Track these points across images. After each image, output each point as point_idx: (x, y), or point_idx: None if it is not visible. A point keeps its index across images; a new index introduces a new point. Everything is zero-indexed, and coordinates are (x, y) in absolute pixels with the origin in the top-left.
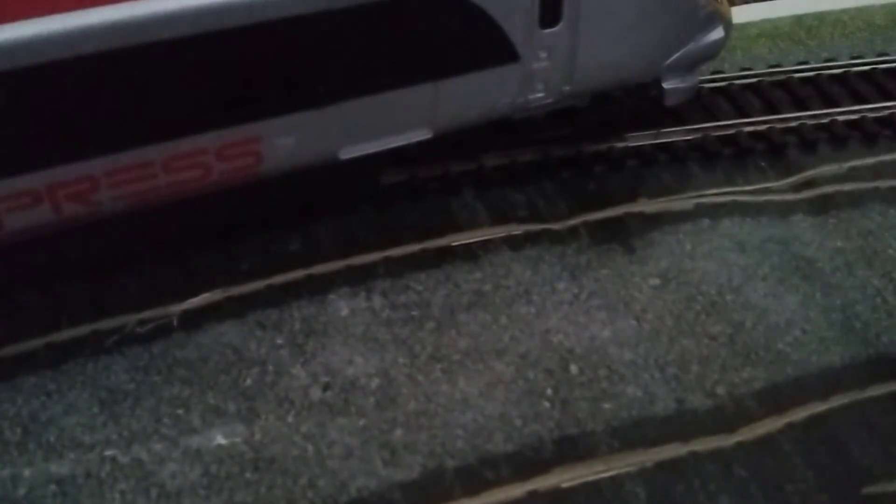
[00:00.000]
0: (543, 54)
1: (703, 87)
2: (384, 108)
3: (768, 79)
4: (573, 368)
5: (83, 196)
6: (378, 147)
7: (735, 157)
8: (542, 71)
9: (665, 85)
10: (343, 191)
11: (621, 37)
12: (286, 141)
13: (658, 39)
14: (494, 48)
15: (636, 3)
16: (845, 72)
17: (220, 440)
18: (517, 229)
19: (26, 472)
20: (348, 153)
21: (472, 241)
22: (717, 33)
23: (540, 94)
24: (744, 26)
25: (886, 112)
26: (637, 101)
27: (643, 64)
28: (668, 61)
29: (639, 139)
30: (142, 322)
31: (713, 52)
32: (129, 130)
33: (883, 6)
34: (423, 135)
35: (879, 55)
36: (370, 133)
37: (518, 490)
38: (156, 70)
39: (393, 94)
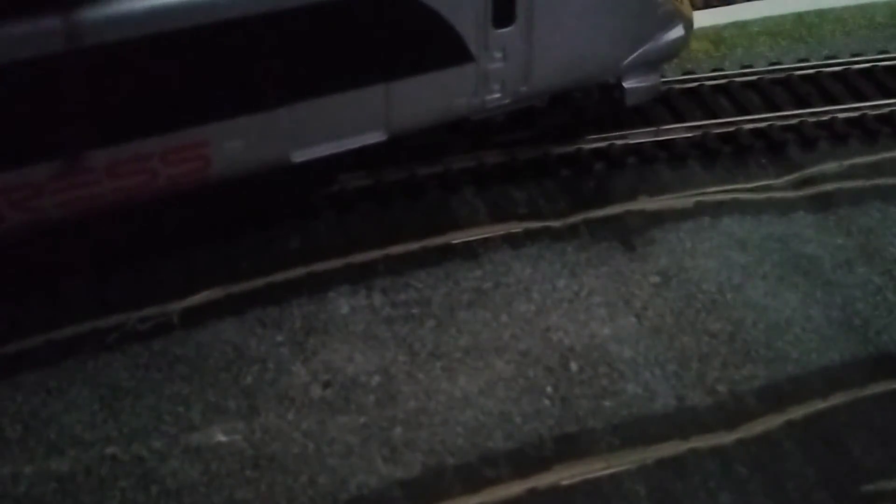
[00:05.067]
0: (498, 54)
1: (703, 84)
2: (336, 110)
3: (768, 76)
4: (573, 366)
5: (25, 203)
6: (331, 150)
7: (735, 154)
8: (498, 71)
9: (626, 84)
10: (297, 194)
11: (578, 36)
12: (235, 144)
13: (616, 39)
14: (447, 49)
15: (593, 2)
16: (845, 69)
17: (221, 437)
18: (517, 227)
19: (27, 470)
20: (301, 156)
21: (472, 238)
22: (677, 32)
23: (496, 95)
24: (745, 24)
25: (887, 110)
26: (597, 101)
27: (602, 63)
28: (628, 61)
29: (639, 136)
30: (142, 320)
31: (673, 50)
32: (71, 135)
33: (884, 3)
34: (377, 137)
35: (880, 53)
36: (323, 135)
37: (518, 488)
38: (96, 73)
39: (344, 96)
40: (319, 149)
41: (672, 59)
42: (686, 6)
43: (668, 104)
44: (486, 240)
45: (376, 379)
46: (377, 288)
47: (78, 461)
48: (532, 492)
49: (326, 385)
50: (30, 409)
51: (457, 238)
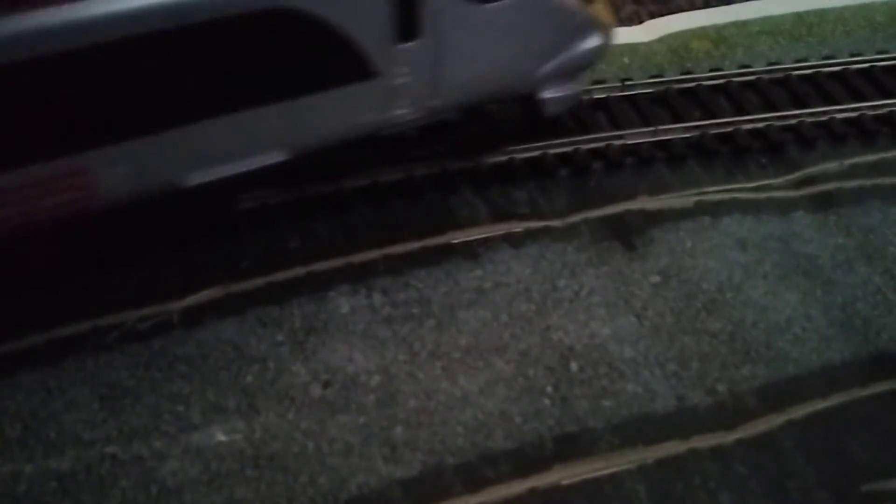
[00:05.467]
0: (405, 69)
1: (701, 84)
2: (233, 131)
3: (767, 76)
4: (573, 366)
5: None
6: (229, 171)
7: (734, 154)
8: (405, 86)
9: (544, 95)
10: (193, 217)
11: (490, 49)
12: (121, 170)
13: (530, 50)
14: (348, 65)
15: (503, 14)
16: (844, 69)
17: (221, 437)
18: (517, 226)
19: (27, 469)
20: (196, 179)
21: (472, 238)
22: (595, 41)
23: (405, 111)
24: (745, 23)
25: (885, 110)
26: (514, 113)
27: (516, 75)
28: (544, 71)
29: (637, 137)
30: (142, 319)
31: (592, 59)
32: None
33: (884, 3)
34: (277, 157)
35: (879, 52)
36: (219, 157)
37: (518, 487)
38: None
39: (240, 116)
40: (216, 171)
41: (591, 68)
42: (604, 13)
43: (667, 104)
44: (486, 239)
45: (376, 378)
46: (377, 287)
47: (78, 460)
48: (532, 491)
49: (326, 384)
50: (30, 409)
51: (457, 237)
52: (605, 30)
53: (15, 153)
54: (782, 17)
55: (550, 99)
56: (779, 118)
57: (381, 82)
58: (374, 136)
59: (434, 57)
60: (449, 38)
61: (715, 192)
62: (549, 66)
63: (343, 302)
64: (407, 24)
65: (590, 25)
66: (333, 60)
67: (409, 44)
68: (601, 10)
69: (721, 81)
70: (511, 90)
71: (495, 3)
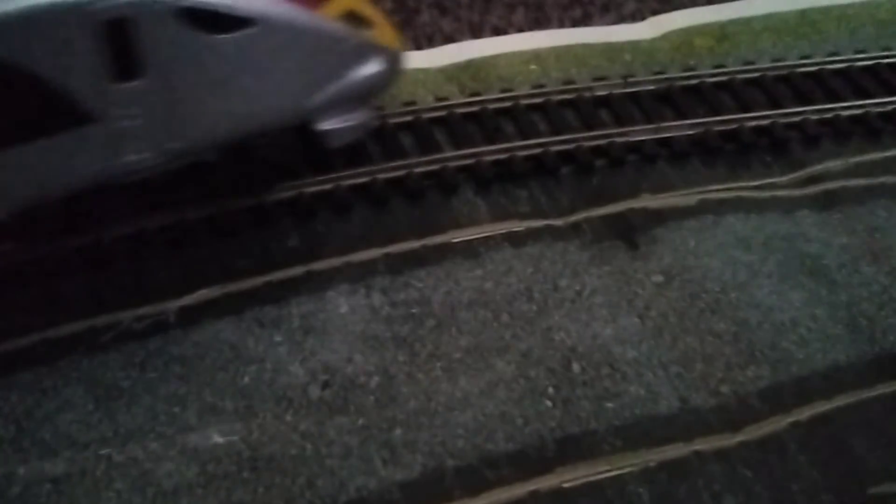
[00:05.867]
0: (130, 111)
1: (705, 81)
2: None
3: (771, 73)
4: (575, 367)
5: None
6: None
7: (738, 152)
8: (134, 130)
9: (322, 127)
10: None
11: (235, 82)
12: None
13: (290, 81)
14: (55, 110)
15: (244, 45)
16: (849, 66)
17: (218, 438)
18: (518, 225)
19: (21, 471)
20: None
21: (472, 237)
22: (375, 66)
23: (139, 156)
24: (748, 20)
25: (891, 107)
26: (290, 147)
27: (277, 109)
28: (316, 102)
29: (639, 134)
30: (138, 318)
31: (374, 86)
32: None
33: (888, 0)
34: None
35: (884, 50)
36: None
37: (519, 490)
38: None
39: None
40: None
41: (379, 94)
42: (387, 35)
43: (670, 101)
44: (486, 238)
45: (375, 379)
46: (377, 287)
47: (73, 462)
48: (534, 494)
49: (325, 385)
50: (24, 409)
51: (457, 237)
52: (387, 54)
53: None
54: (786, 14)
55: (332, 130)
56: (783, 115)
57: (101, 127)
58: (123, 183)
59: (166, 96)
60: (181, 75)
61: (718, 191)
62: (321, 97)
63: (342, 302)
64: (124, 61)
65: (367, 51)
66: (35, 107)
67: (132, 83)
68: (383, 34)
69: (725, 78)
70: (274, 124)
71: (233, 35)
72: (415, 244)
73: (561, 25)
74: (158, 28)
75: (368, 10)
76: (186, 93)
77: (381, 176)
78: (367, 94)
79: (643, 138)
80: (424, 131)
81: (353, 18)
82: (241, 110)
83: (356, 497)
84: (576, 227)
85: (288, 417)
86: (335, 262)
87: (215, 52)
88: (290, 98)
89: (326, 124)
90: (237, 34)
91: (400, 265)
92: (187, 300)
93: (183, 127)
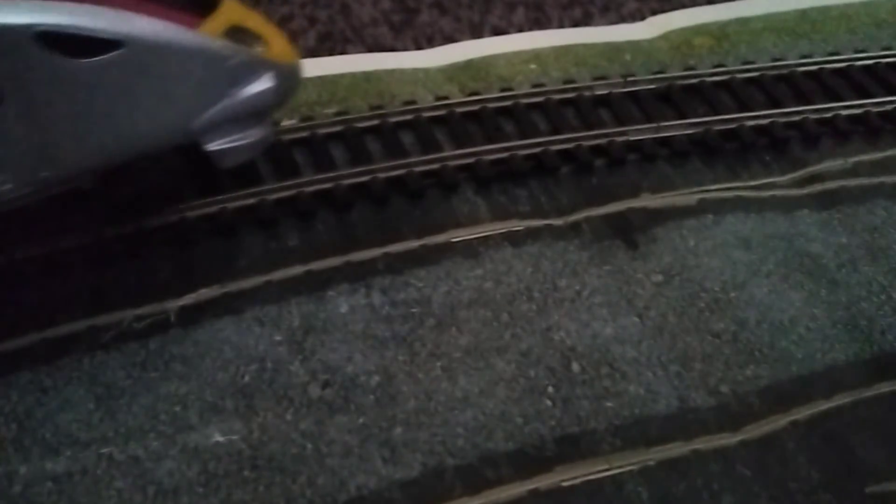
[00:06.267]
0: None
1: (704, 80)
2: None
3: (771, 73)
4: (575, 366)
5: None
6: None
7: (738, 151)
8: None
9: (211, 147)
10: None
11: (108, 106)
12: None
13: (167, 102)
14: None
15: (111, 69)
16: (849, 66)
17: (218, 438)
18: (518, 225)
19: (22, 470)
20: None
21: (472, 237)
22: (265, 82)
23: (4, 186)
24: (748, 20)
25: (890, 107)
26: (178, 169)
27: (154, 131)
28: (202, 122)
29: (639, 133)
30: (139, 318)
31: (265, 102)
32: None
33: (889, 0)
34: None
35: (884, 49)
36: None
37: (519, 489)
38: None
39: None
40: None
41: (273, 111)
42: (281, 51)
43: (670, 100)
44: (486, 238)
45: (376, 379)
46: (376, 287)
47: (74, 461)
48: (533, 493)
49: (325, 385)
50: (24, 408)
51: (457, 236)
52: (279, 69)
53: None
54: (785, 13)
55: (223, 150)
56: (783, 115)
57: None
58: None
59: (28, 123)
60: (45, 102)
61: (718, 190)
62: (205, 117)
63: (342, 301)
64: None
65: (255, 67)
66: None
67: None
68: (274, 48)
69: (724, 78)
70: (154, 147)
71: (99, 58)
72: (415, 244)
73: (561, 25)
74: (15, 53)
75: (256, 24)
76: (52, 120)
77: (382, 175)
78: (258, 111)
79: (643, 138)
80: (424, 130)
81: (240, 33)
82: (114, 135)
83: (356, 496)
84: (575, 226)
85: (288, 416)
86: (335, 261)
87: (81, 76)
88: (170, 120)
89: (216, 144)
90: (103, 58)
91: (400, 265)
92: (188, 299)
93: (51, 155)
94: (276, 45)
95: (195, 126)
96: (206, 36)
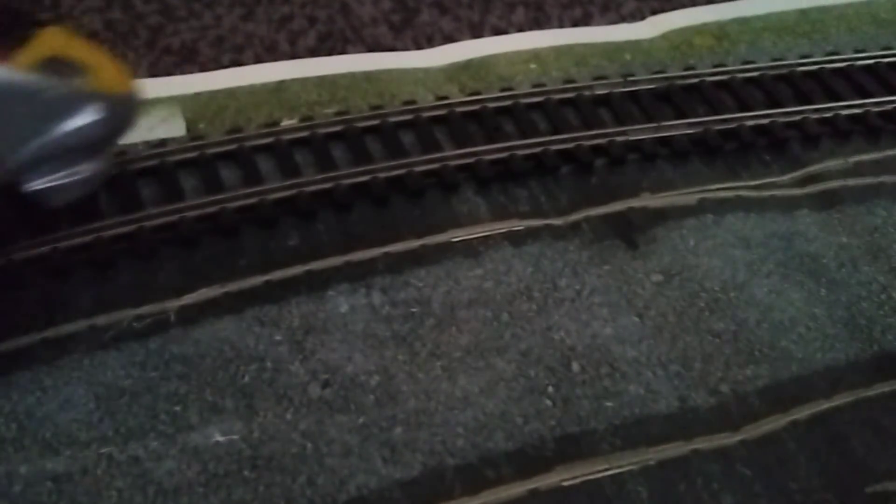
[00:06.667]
0: None
1: (704, 80)
2: None
3: (771, 72)
4: (575, 366)
5: None
6: None
7: (738, 151)
8: None
9: (34, 186)
10: None
11: None
12: None
13: None
14: None
15: None
16: (849, 66)
17: (218, 437)
18: (518, 225)
19: (22, 469)
20: None
21: (472, 236)
22: (91, 115)
23: None
24: (748, 19)
25: (890, 107)
26: None
27: None
28: (13, 161)
29: (639, 133)
30: (139, 317)
31: (93, 136)
32: None
33: (888, 0)
34: None
35: (884, 49)
36: None
37: (519, 489)
38: None
39: None
40: None
41: (105, 144)
42: (112, 81)
43: (670, 100)
44: (486, 238)
45: (376, 378)
46: (376, 286)
47: (74, 461)
48: (533, 493)
49: (325, 384)
50: (24, 408)
51: (457, 236)
52: (107, 101)
53: None
54: (785, 13)
55: (49, 188)
56: (783, 115)
57: None
58: None
59: None
60: None
61: (718, 190)
62: (20, 155)
63: (342, 301)
64: None
65: (78, 100)
66: None
67: None
68: (103, 78)
69: (724, 77)
70: None
71: None
72: (415, 244)
73: (561, 25)
74: None
75: (80, 54)
76: None
77: (382, 175)
78: (86, 145)
79: (643, 137)
80: (425, 130)
81: (59, 64)
82: None
83: (356, 495)
84: (576, 226)
85: (288, 416)
86: (335, 261)
87: None
88: None
89: (38, 183)
90: None
91: (400, 264)
92: (188, 299)
93: None
94: (105, 74)
95: (8, 165)
96: (13, 69)
